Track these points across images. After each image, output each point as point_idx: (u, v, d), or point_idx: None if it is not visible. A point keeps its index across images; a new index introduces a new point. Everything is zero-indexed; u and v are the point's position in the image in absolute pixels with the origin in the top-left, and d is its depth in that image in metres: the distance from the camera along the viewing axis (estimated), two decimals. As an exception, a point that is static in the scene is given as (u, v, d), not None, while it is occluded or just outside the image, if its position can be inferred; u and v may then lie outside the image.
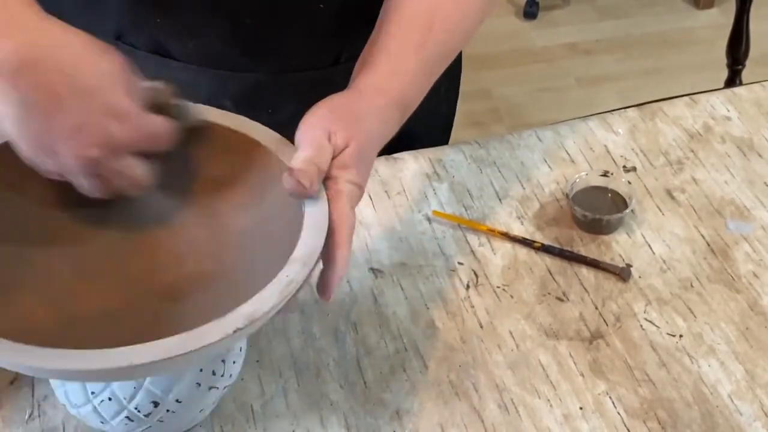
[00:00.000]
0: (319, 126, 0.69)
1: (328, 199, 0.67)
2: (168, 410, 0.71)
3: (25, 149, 0.63)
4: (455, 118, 1.16)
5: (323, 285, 0.66)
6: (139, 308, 0.71)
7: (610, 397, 0.78)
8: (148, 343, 0.58)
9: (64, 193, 0.70)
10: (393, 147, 1.01)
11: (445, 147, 1.02)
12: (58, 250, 0.72)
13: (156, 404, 0.70)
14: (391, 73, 0.75)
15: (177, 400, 0.71)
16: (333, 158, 0.68)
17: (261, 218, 0.72)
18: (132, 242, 0.74)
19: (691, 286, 0.87)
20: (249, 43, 0.93)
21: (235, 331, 0.59)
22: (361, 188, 0.70)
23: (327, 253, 0.65)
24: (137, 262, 0.74)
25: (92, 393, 0.70)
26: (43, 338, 0.59)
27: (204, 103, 0.99)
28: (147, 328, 0.68)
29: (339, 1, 0.78)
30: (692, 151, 1.00)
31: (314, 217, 0.66)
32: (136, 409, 0.70)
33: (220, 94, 0.98)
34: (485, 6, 0.82)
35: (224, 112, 0.74)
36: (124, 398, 0.69)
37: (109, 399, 0.70)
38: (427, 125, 1.09)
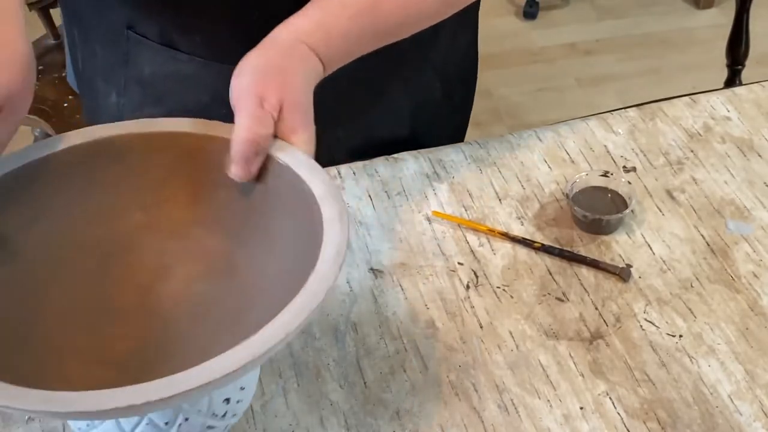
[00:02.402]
0: (250, 92, 0.70)
1: None
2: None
3: None
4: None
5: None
6: (157, 334, 0.70)
7: (610, 398, 0.78)
8: (226, 354, 0.54)
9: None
10: (402, 150, 1.01)
11: (445, 147, 1.02)
12: (56, 290, 0.70)
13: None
14: (318, 25, 0.76)
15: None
16: (276, 123, 0.69)
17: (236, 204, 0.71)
18: (115, 266, 0.72)
19: (691, 286, 0.87)
20: (256, 39, 0.93)
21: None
22: (313, 145, 0.71)
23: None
24: (128, 288, 0.72)
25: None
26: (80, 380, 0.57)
27: (211, 97, 0.99)
28: (176, 349, 0.68)
29: None
30: (692, 151, 1.00)
31: (322, 187, 0.66)
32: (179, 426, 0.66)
33: (226, 88, 0.98)
34: None
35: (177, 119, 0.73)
36: (165, 423, 0.65)
37: (147, 424, 0.65)
38: (438, 132, 1.09)
